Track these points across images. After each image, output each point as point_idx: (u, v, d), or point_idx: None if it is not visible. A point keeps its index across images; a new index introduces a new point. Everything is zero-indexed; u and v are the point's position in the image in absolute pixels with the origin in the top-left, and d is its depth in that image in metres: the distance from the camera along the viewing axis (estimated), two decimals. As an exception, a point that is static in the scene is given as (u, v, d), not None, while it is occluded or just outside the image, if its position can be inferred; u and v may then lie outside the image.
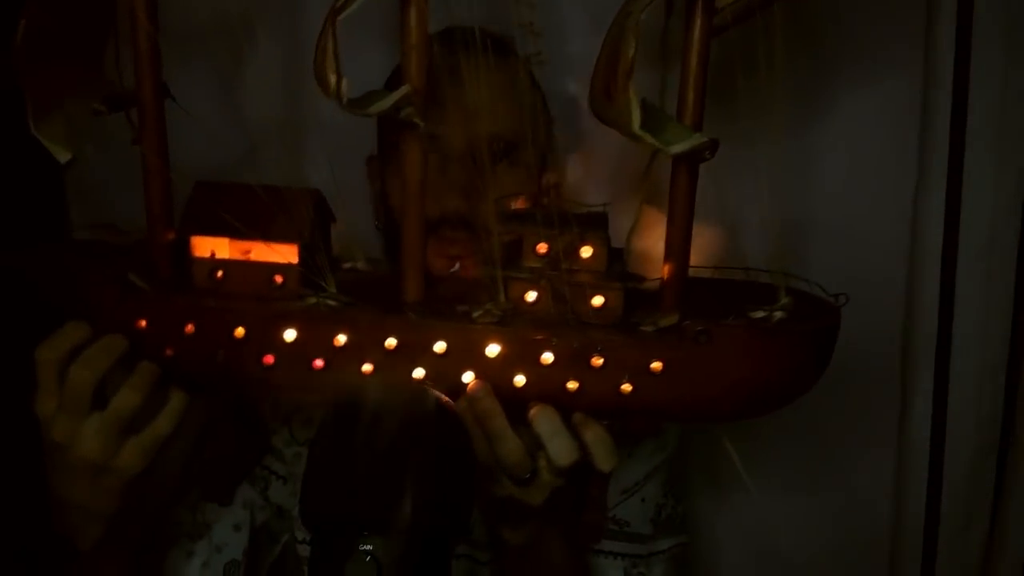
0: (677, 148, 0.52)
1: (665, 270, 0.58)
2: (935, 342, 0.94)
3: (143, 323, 0.61)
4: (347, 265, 0.65)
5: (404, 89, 0.54)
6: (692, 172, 0.55)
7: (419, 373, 0.59)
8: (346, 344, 0.59)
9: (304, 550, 0.83)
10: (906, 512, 1.01)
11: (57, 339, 0.60)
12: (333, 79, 0.53)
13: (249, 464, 0.81)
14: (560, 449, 0.58)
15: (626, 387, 0.58)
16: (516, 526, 0.64)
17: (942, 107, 0.87)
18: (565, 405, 0.59)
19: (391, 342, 0.59)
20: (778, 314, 0.58)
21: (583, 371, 0.58)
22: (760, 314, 0.58)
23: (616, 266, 0.60)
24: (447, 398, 0.56)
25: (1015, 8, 0.84)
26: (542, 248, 0.58)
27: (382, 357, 0.59)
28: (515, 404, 0.59)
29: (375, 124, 0.80)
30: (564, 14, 0.86)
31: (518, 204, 0.70)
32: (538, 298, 0.59)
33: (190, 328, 0.60)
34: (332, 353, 0.59)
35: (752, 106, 0.57)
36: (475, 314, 0.58)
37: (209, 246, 0.61)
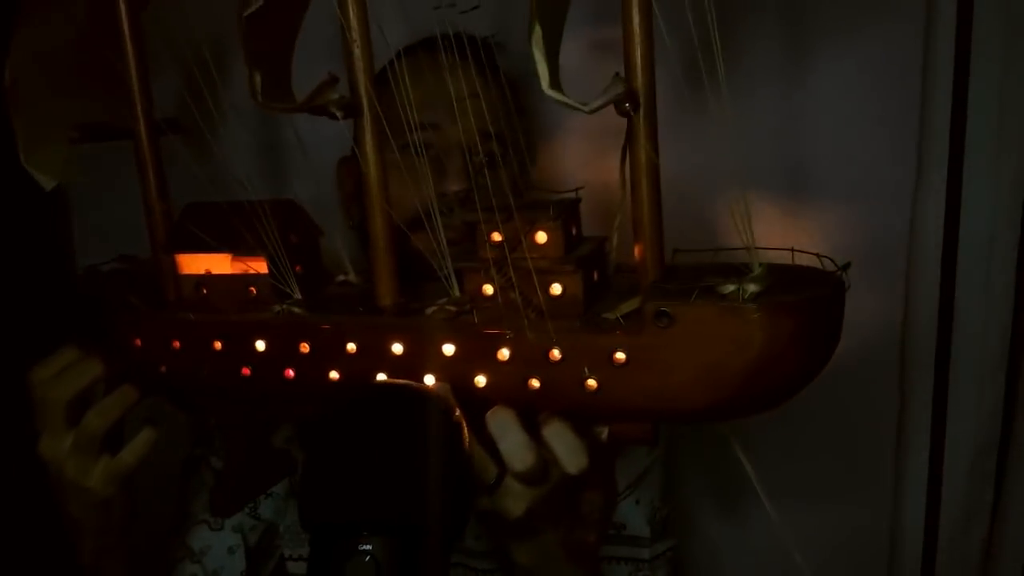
0: (592, 104, 0.47)
1: (636, 251, 0.53)
2: (935, 342, 0.94)
3: (137, 341, 0.63)
4: (340, 278, 0.64)
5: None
6: (651, 130, 0.50)
7: (381, 377, 0.56)
8: (311, 352, 0.58)
9: (294, 567, 0.82)
10: (906, 512, 1.01)
11: (65, 381, 0.63)
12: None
13: (265, 483, 0.77)
14: (512, 448, 0.52)
15: (591, 382, 0.52)
16: (519, 543, 0.59)
17: (942, 107, 0.87)
18: (532, 407, 0.54)
19: (351, 347, 0.57)
20: (751, 287, 0.48)
21: (543, 367, 0.53)
22: (729, 288, 0.49)
23: (582, 251, 0.55)
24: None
25: (1015, 8, 0.84)
26: (496, 237, 0.54)
27: (345, 363, 0.57)
28: (481, 409, 0.54)
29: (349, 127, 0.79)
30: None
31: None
32: (496, 291, 0.54)
33: (176, 344, 0.61)
34: (299, 361, 0.58)
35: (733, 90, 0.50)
36: (428, 311, 0.55)
37: (198, 263, 0.62)
